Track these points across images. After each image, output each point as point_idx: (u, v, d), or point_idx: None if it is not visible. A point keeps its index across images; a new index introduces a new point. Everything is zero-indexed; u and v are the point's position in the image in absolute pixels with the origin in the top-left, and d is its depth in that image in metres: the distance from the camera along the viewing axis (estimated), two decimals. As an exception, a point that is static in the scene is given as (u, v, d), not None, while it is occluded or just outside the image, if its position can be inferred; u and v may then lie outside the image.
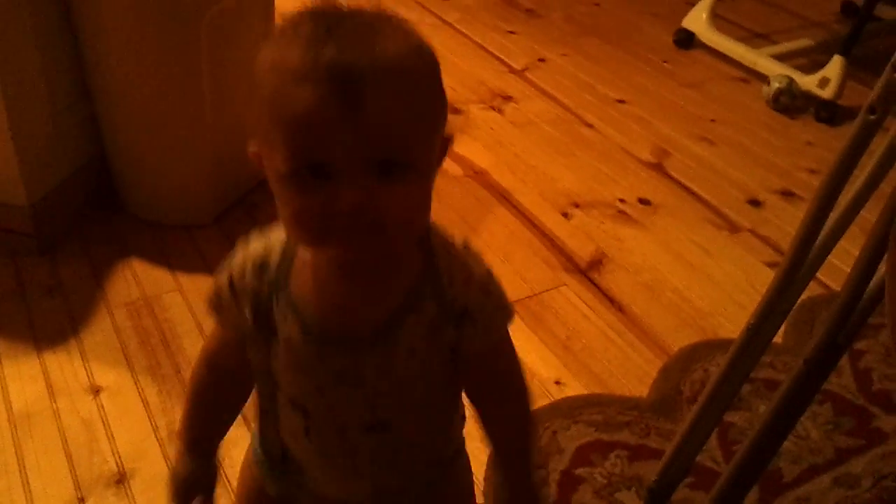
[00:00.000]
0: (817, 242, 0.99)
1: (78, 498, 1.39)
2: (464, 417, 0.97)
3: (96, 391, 1.58)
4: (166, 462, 1.45)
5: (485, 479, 1.41)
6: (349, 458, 0.87)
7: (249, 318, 0.82)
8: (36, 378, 1.60)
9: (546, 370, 1.67)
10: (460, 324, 0.81)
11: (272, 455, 0.94)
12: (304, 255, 0.80)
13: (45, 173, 1.89)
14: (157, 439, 1.49)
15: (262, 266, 0.82)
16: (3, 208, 1.86)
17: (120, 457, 1.46)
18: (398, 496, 0.94)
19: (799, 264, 0.99)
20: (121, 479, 1.42)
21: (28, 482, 1.41)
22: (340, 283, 0.79)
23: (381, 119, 0.67)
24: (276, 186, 0.72)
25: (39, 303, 1.78)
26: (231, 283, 0.83)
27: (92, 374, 1.61)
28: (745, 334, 1.04)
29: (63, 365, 1.63)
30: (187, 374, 1.59)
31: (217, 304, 0.86)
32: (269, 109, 0.69)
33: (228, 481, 1.42)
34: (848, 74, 2.64)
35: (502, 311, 0.84)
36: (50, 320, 1.74)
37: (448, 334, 0.82)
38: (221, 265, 0.86)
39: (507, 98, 2.73)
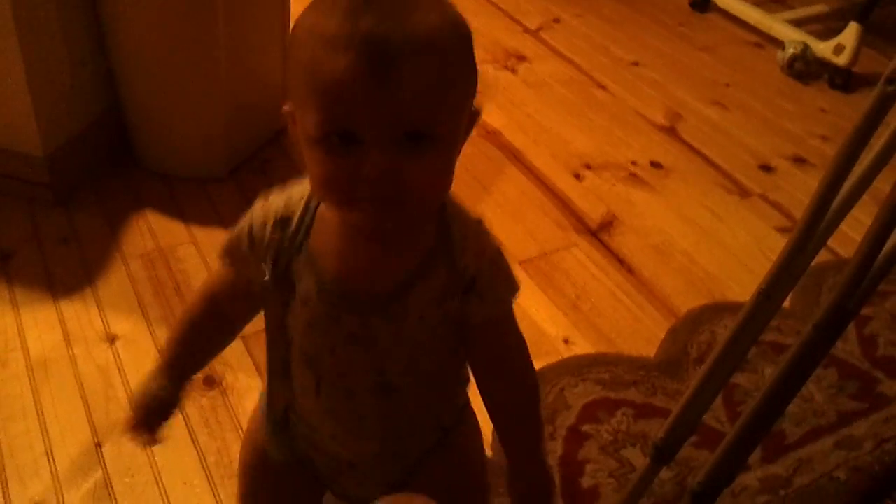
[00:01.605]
0: (830, 210, 0.99)
1: (95, 443, 1.42)
2: (467, 380, 0.98)
3: (112, 339, 1.61)
4: (181, 409, 1.47)
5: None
6: (356, 419, 0.90)
7: (269, 271, 0.84)
8: (53, 325, 1.62)
9: (555, 329, 1.69)
10: (467, 294, 0.83)
11: (276, 415, 0.96)
12: (325, 213, 0.82)
13: (61, 125, 1.90)
14: (173, 388, 1.51)
15: (283, 220, 0.84)
16: (20, 158, 1.87)
17: (136, 404, 1.49)
18: (403, 457, 0.96)
19: (812, 231, 1.00)
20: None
21: (46, 427, 1.44)
22: (359, 245, 0.81)
23: (411, 91, 0.68)
24: (306, 147, 0.74)
25: (55, 252, 1.80)
26: (251, 236, 0.85)
27: (108, 322, 1.64)
28: (756, 299, 1.06)
29: (79, 313, 1.66)
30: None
31: (232, 253, 0.88)
32: (304, 74, 0.71)
33: (242, 430, 1.45)
34: (863, 42, 2.62)
35: (508, 286, 0.86)
36: (66, 269, 1.76)
37: (455, 303, 0.84)
38: (240, 218, 0.87)
39: (521, 58, 2.72)
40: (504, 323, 0.89)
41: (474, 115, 0.78)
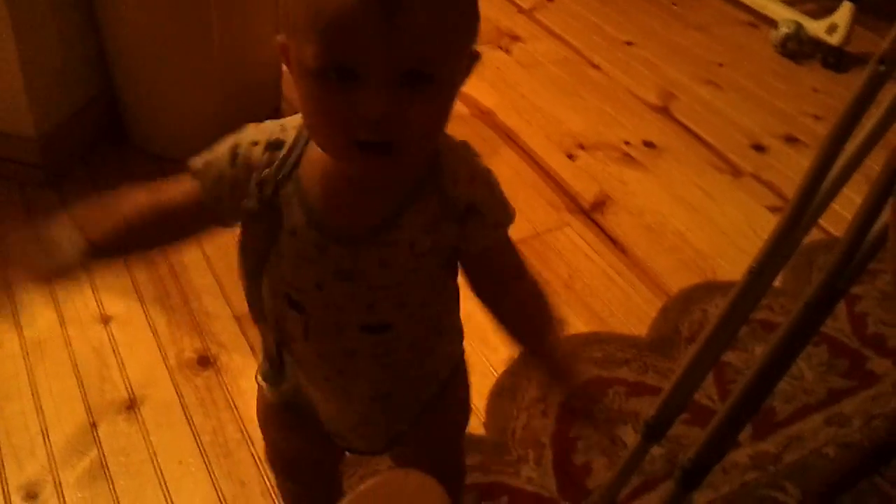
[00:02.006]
0: (821, 189, 1.00)
1: (90, 423, 1.43)
2: (461, 333, 0.99)
3: (106, 320, 1.61)
4: (175, 390, 1.49)
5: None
6: (348, 359, 0.88)
7: (251, 194, 0.81)
8: (47, 306, 1.63)
9: (548, 309, 1.70)
10: (465, 220, 0.82)
11: (269, 356, 0.95)
12: (316, 147, 0.79)
13: (53, 105, 1.89)
14: (167, 367, 1.52)
15: (275, 143, 0.81)
16: (12, 139, 1.87)
17: (130, 384, 1.49)
18: (398, 407, 0.96)
19: (803, 210, 1.00)
20: (131, 406, 1.46)
21: (41, 406, 1.44)
22: (349, 182, 0.79)
23: (415, 29, 0.67)
24: (301, 80, 0.72)
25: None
26: (234, 152, 0.82)
27: (102, 303, 1.64)
28: (747, 277, 1.06)
29: (73, 294, 1.66)
30: (196, 305, 1.63)
31: (206, 169, 0.83)
32: (303, 4, 0.69)
33: (236, 408, 1.46)
34: (856, 21, 2.62)
35: (505, 207, 0.86)
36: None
37: (450, 231, 0.82)
38: (224, 137, 0.83)
39: (515, 38, 2.72)
40: (504, 247, 0.88)
41: (474, 58, 0.76)
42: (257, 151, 0.81)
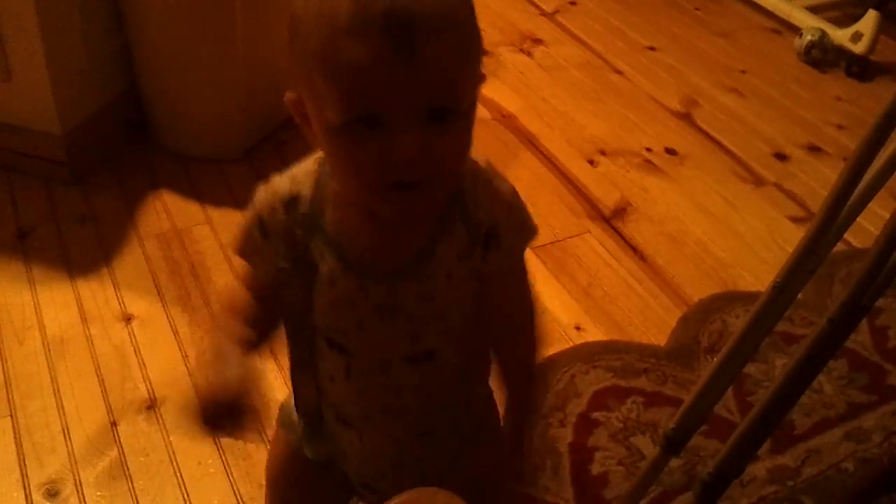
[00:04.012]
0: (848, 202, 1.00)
1: (111, 421, 1.44)
2: (490, 360, 0.97)
3: (128, 319, 1.62)
4: (196, 390, 1.49)
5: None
6: (393, 394, 0.87)
7: (283, 255, 0.82)
8: (69, 304, 1.64)
9: (567, 315, 1.70)
10: (487, 244, 0.81)
11: (308, 411, 0.93)
12: (340, 193, 0.79)
13: (78, 103, 1.91)
14: (187, 368, 1.53)
15: (291, 202, 0.81)
16: (38, 136, 1.89)
17: (151, 383, 1.50)
18: (437, 446, 0.94)
19: (830, 223, 1.00)
20: (151, 405, 1.47)
21: (62, 404, 1.46)
22: (378, 221, 0.79)
23: (434, 66, 0.67)
24: (326, 138, 0.72)
25: (72, 231, 1.81)
26: (261, 224, 0.82)
27: (124, 302, 1.65)
28: (771, 292, 1.06)
29: (95, 293, 1.67)
30: (217, 306, 1.63)
31: (246, 249, 0.84)
32: (318, 61, 0.69)
33: (265, 431, 1.46)
34: (882, 30, 2.60)
35: (525, 231, 0.84)
36: (82, 248, 1.78)
37: (478, 255, 0.82)
38: (246, 211, 0.84)
39: (537, 41, 2.71)
40: (515, 269, 0.87)
41: (481, 79, 0.76)
42: (278, 215, 0.81)
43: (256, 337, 0.85)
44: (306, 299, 0.84)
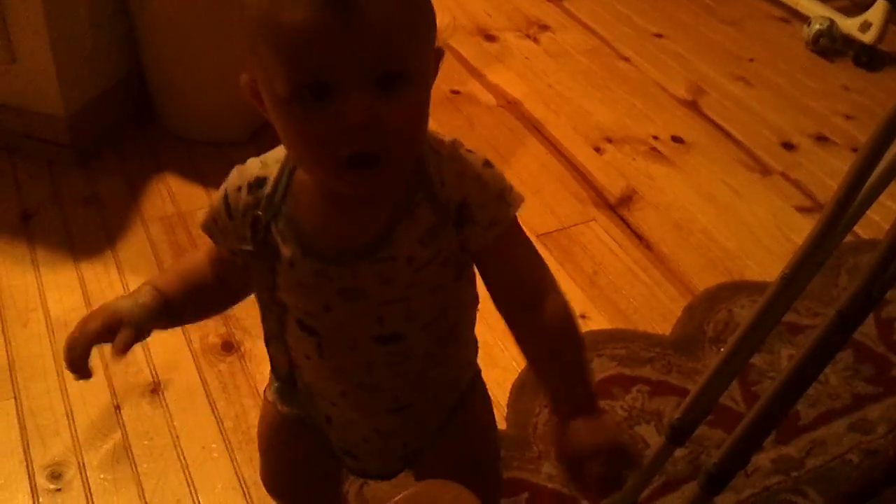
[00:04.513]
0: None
1: (114, 405, 1.44)
2: (477, 343, 0.98)
3: (132, 303, 1.61)
4: (199, 374, 1.49)
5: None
6: (365, 372, 0.87)
7: (248, 236, 0.82)
8: (73, 287, 1.64)
9: (572, 304, 1.68)
10: (460, 221, 0.79)
11: (280, 375, 0.95)
12: (301, 176, 0.79)
13: (82, 86, 1.90)
14: (191, 352, 1.53)
15: (257, 182, 0.81)
16: (42, 118, 1.88)
17: (154, 367, 1.50)
18: (417, 420, 0.94)
19: (840, 215, 0.99)
20: (155, 389, 1.47)
21: (66, 387, 1.45)
22: (338, 204, 0.79)
23: (380, 30, 0.66)
24: (276, 112, 0.71)
25: (76, 213, 1.81)
26: (227, 202, 0.82)
27: (127, 285, 1.65)
28: (780, 283, 1.05)
29: (99, 275, 1.67)
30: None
31: (211, 226, 0.85)
32: (262, 31, 0.68)
33: (259, 396, 1.46)
34: (891, 19, 2.58)
35: (503, 198, 0.80)
36: (86, 231, 1.77)
37: (449, 237, 0.80)
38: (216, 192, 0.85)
39: (544, 27, 2.70)
40: (509, 239, 0.82)
41: (439, 54, 0.76)
42: (243, 195, 0.81)
43: (184, 292, 0.88)
44: (271, 281, 0.84)
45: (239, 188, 0.81)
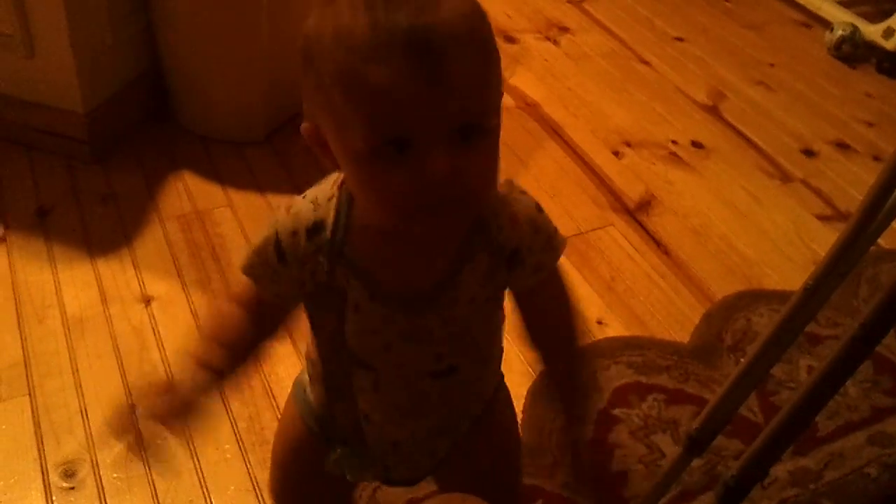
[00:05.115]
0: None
1: (129, 404, 1.43)
2: (502, 349, 0.98)
3: (147, 300, 1.61)
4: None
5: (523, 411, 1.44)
6: (417, 401, 0.89)
7: (309, 282, 0.80)
8: (89, 284, 1.64)
9: (588, 309, 1.68)
10: (511, 265, 0.82)
11: (347, 436, 0.93)
12: (361, 217, 0.78)
13: (101, 82, 1.90)
14: (206, 352, 1.52)
15: (314, 228, 0.79)
16: (60, 114, 1.88)
17: (170, 366, 1.50)
18: (452, 431, 0.96)
19: (865, 226, 0.97)
20: (169, 388, 1.46)
21: (81, 384, 1.45)
22: (403, 246, 0.78)
23: (461, 83, 0.65)
24: (353, 165, 0.70)
25: (93, 210, 1.81)
26: (278, 247, 0.80)
27: (143, 283, 1.65)
28: (802, 294, 1.04)
29: (115, 273, 1.67)
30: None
31: (257, 269, 0.82)
32: (339, 87, 0.66)
33: (274, 397, 1.46)
34: (915, 25, 2.56)
35: (550, 244, 0.84)
36: (103, 227, 1.77)
37: (503, 278, 0.83)
38: (261, 233, 0.82)
39: (564, 29, 2.68)
40: (550, 281, 0.87)
41: (502, 94, 0.75)
42: (301, 241, 0.79)
43: (232, 361, 0.86)
44: (337, 322, 0.83)
45: (294, 233, 0.79)
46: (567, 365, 0.95)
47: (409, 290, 0.80)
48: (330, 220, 0.79)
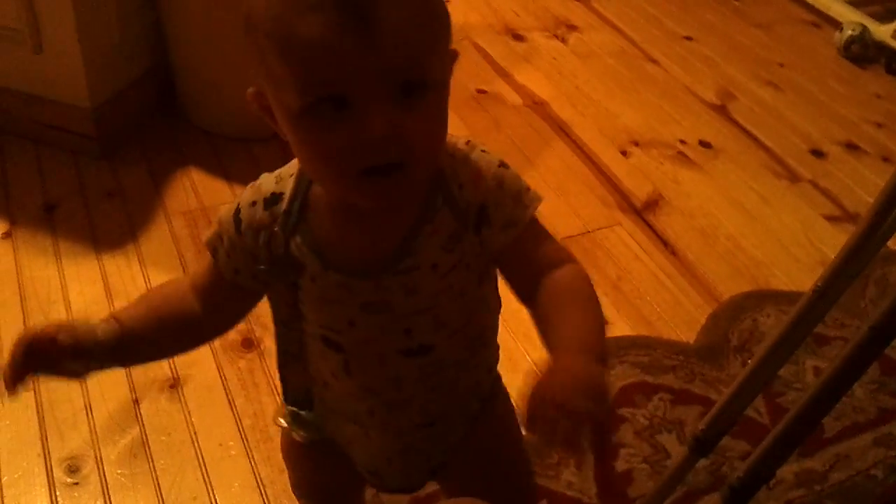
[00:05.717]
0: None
1: (133, 399, 1.43)
2: (498, 348, 0.96)
3: (153, 297, 1.61)
4: (219, 371, 1.49)
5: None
6: (394, 387, 0.85)
7: (263, 254, 0.79)
8: (95, 280, 1.63)
9: (595, 309, 1.67)
10: (479, 225, 0.77)
11: (295, 397, 0.93)
12: (318, 190, 0.77)
13: (109, 78, 1.90)
14: (211, 348, 1.52)
15: (272, 199, 0.78)
16: (68, 109, 1.88)
17: (174, 362, 1.50)
18: (444, 433, 0.93)
19: (876, 229, 0.97)
20: (174, 384, 1.46)
21: (85, 381, 1.45)
22: (357, 216, 0.76)
23: (397, 38, 0.63)
24: (290, 127, 0.69)
25: (99, 205, 1.81)
26: (237, 219, 0.79)
27: (149, 279, 1.64)
28: (812, 296, 1.03)
29: (121, 268, 1.67)
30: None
31: (217, 243, 0.81)
32: (273, 43, 0.65)
33: (278, 394, 1.45)
34: (926, 26, 2.55)
35: (519, 200, 0.78)
36: (109, 223, 1.77)
37: (471, 241, 0.78)
38: (226, 205, 0.82)
39: (572, 27, 2.68)
40: (527, 242, 0.79)
41: (453, 56, 0.73)
42: (258, 212, 0.78)
43: (145, 322, 0.83)
44: (293, 297, 0.82)
45: (253, 203, 0.79)
46: (567, 362, 0.70)
47: (366, 258, 0.77)
48: (289, 191, 0.78)
